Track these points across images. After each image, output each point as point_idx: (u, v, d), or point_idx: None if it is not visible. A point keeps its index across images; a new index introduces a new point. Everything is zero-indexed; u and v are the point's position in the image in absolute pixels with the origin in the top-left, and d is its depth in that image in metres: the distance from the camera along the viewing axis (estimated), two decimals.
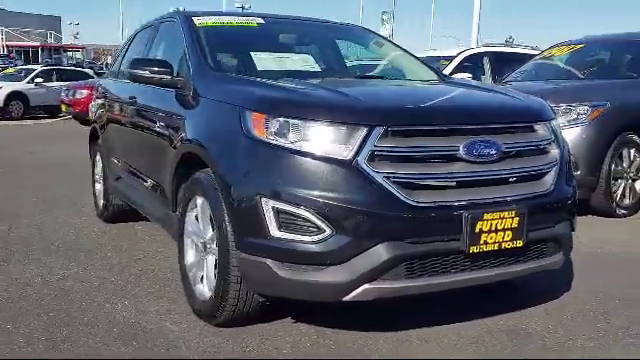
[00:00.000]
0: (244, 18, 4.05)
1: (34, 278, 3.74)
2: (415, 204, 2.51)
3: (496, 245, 2.65)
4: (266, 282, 2.63)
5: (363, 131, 2.53)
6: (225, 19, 3.99)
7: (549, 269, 2.98)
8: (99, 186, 5.54)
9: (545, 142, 2.93)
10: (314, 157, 2.55)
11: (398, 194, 2.50)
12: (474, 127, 2.72)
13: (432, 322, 3.03)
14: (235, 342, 2.84)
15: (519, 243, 2.71)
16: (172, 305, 3.32)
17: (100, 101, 5.24)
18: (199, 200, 3.06)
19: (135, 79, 3.60)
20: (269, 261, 2.58)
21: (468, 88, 3.50)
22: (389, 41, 4.37)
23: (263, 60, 3.64)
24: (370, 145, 2.52)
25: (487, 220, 2.60)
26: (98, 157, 5.48)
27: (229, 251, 2.73)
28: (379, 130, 2.54)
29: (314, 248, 2.50)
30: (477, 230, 2.59)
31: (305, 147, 2.56)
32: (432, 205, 2.55)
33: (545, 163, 2.90)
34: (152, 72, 3.48)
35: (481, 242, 2.61)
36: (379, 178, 2.50)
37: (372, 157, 2.52)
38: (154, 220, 3.98)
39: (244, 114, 2.73)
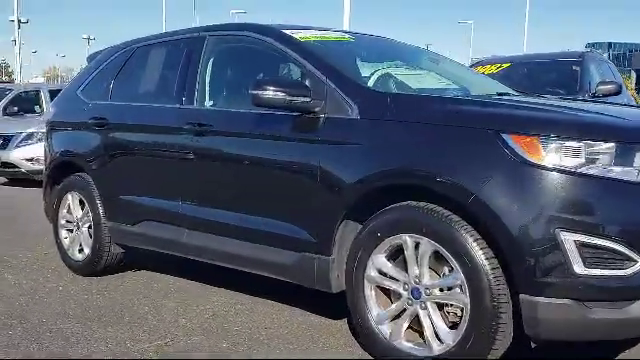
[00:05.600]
0: (336, 33, 3.62)
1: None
2: None
3: None
4: (564, 325, 2.34)
5: None
6: (320, 34, 3.51)
7: None
8: (70, 234, 4.53)
9: None
10: (613, 181, 2.33)
11: None
12: None
13: None
14: None
15: None
16: None
17: (89, 130, 4.26)
18: (406, 239, 2.64)
19: (260, 102, 2.99)
20: (570, 301, 2.31)
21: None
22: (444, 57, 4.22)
23: (407, 77, 3.28)
24: None
25: None
26: (71, 197, 4.47)
27: (491, 294, 2.40)
28: None
29: (627, 282, 2.29)
30: None
31: (597, 172, 2.34)
32: None
33: None
34: (290, 94, 2.93)
35: None
36: None
37: None
38: (258, 268, 3.31)
39: (503, 138, 2.42)
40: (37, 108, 12.47)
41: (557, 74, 7.19)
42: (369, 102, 2.88)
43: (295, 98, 2.95)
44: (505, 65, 7.55)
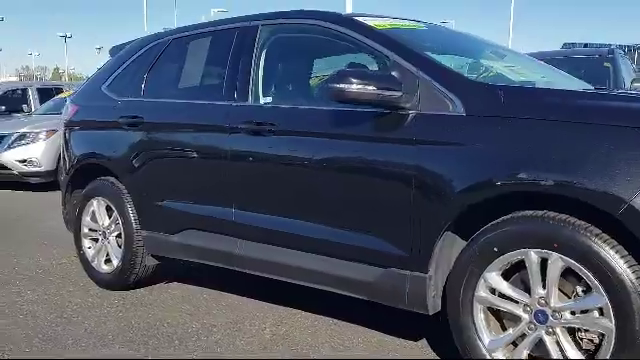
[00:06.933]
0: (406, 21, 3.24)
1: None
2: None
3: None
4: None
5: None
6: (393, 22, 3.14)
7: None
8: (95, 243, 4.10)
9: None
10: None
11: None
12: None
13: None
14: None
15: None
16: None
17: (121, 130, 3.82)
18: (532, 254, 2.28)
19: (344, 97, 2.60)
20: None
21: None
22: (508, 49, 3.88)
23: (505, 70, 2.92)
24: None
25: None
26: (97, 203, 4.03)
27: None
28: None
29: None
30: None
31: None
32: None
33: None
34: (380, 88, 2.56)
35: None
36: None
37: None
38: (332, 285, 2.91)
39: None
40: (25, 107, 11.94)
41: (588, 71, 6.89)
42: (476, 96, 2.51)
43: (384, 92, 2.58)
44: None
